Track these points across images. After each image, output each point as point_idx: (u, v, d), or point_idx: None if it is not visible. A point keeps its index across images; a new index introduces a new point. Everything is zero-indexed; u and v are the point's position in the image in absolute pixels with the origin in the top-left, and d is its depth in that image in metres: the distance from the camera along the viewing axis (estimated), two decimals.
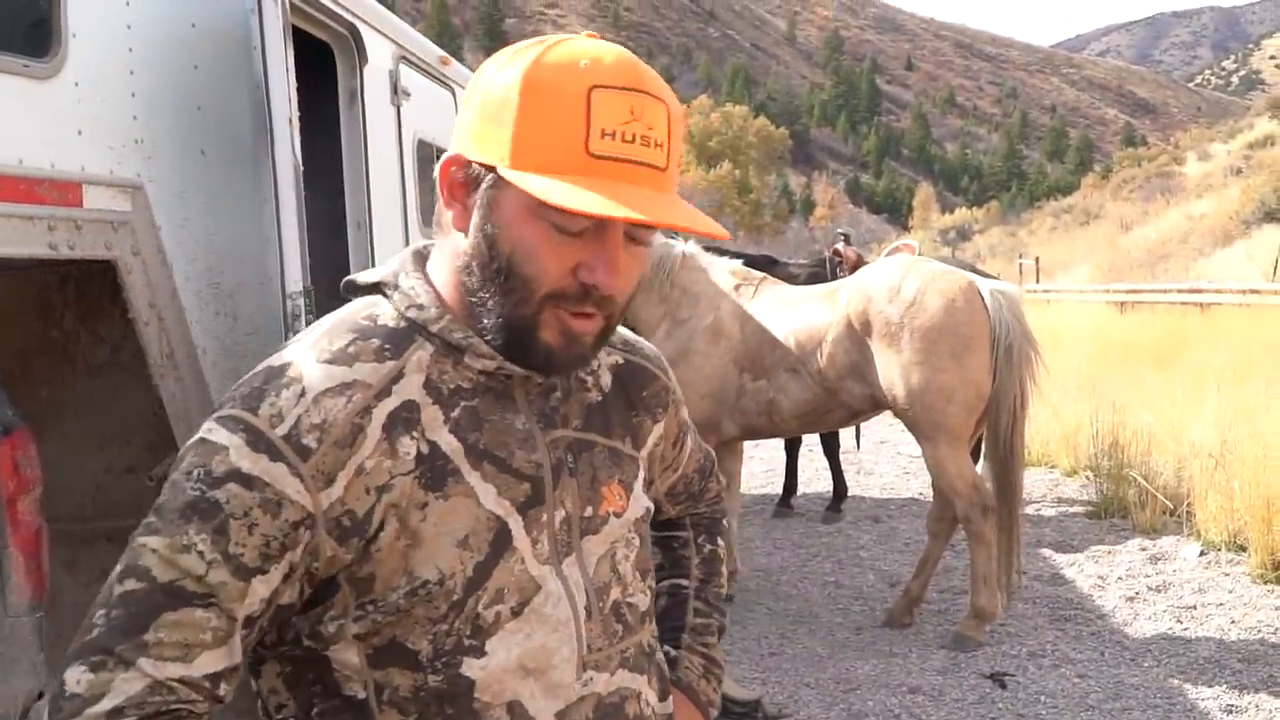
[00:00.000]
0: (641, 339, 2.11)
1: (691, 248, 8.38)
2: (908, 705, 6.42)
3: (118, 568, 1.59)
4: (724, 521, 2.38)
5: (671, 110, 1.63)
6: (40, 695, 3.54)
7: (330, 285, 6.06)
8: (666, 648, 2.16)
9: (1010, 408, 7.20)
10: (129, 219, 4.19)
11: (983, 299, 7.22)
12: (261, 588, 1.58)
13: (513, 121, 1.58)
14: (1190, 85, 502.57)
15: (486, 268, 1.66)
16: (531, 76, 1.58)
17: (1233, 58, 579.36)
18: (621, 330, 2.03)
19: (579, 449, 1.82)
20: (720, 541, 2.34)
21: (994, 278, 8.47)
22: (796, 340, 7.61)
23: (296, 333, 4.59)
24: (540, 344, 1.67)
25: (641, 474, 1.95)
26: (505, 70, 1.62)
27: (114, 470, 4.87)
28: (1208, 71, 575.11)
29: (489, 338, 1.70)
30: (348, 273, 5.85)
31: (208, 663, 1.57)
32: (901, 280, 7.32)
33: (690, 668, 2.19)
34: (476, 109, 1.65)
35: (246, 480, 1.56)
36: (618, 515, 1.85)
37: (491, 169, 1.62)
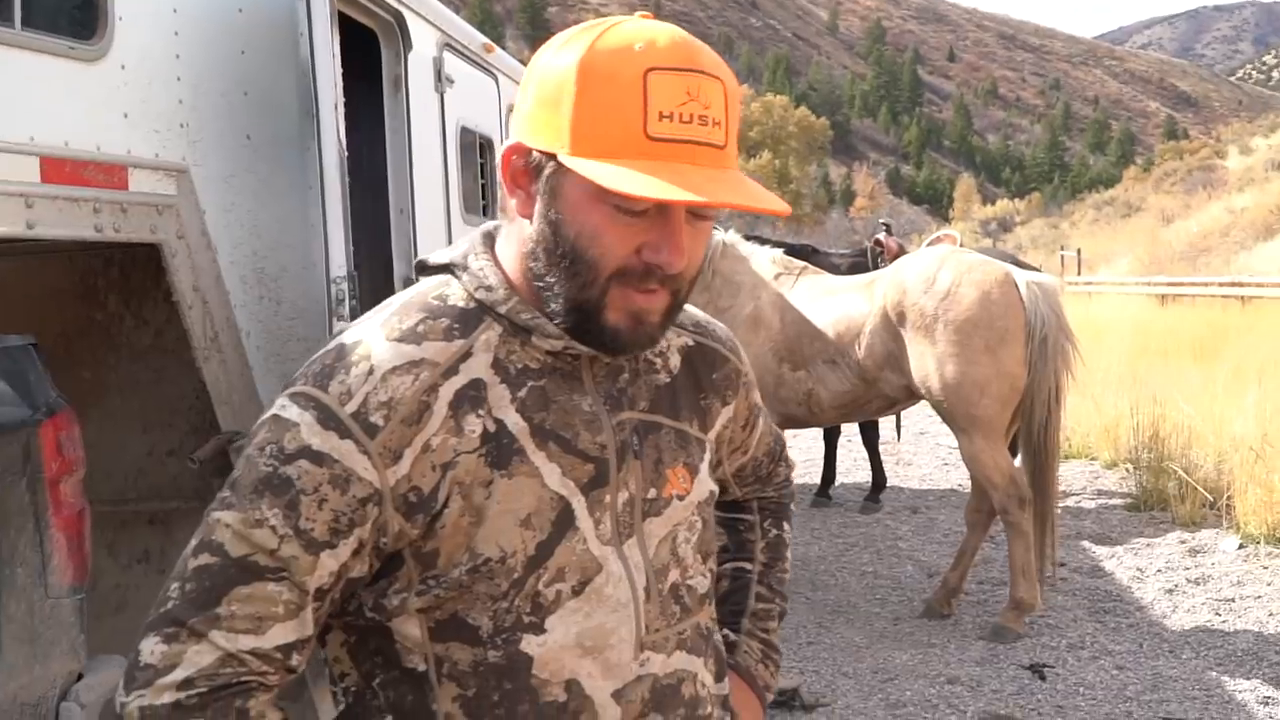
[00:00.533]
0: (714, 320, 2.11)
1: (731, 236, 8.40)
2: (946, 695, 6.41)
3: (193, 541, 1.64)
4: (791, 507, 2.39)
5: (728, 87, 1.63)
6: (80, 677, 3.55)
7: (373, 270, 6.07)
8: (726, 631, 2.17)
9: (1045, 401, 7.16)
10: (174, 202, 4.22)
11: (1019, 291, 7.19)
12: (331, 561, 1.62)
13: (571, 108, 1.59)
14: (1232, 79, 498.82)
15: (552, 253, 1.67)
16: (587, 62, 1.58)
17: (1274, 52, 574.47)
18: (693, 312, 2.05)
19: (645, 431, 1.83)
20: (786, 527, 2.35)
21: (1035, 269, 8.44)
22: (835, 331, 7.61)
23: (340, 317, 4.63)
24: (607, 325, 1.68)
25: (708, 456, 1.95)
26: (561, 56, 1.63)
27: (156, 453, 4.90)
28: (1249, 66, 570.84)
29: (557, 321, 1.71)
30: (390, 259, 5.87)
31: (279, 634, 1.62)
32: (937, 271, 7.30)
33: (749, 652, 2.21)
34: (534, 96, 1.66)
35: (317, 457, 1.60)
36: (681, 498, 1.86)
37: (552, 156, 1.63)
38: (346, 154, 4.94)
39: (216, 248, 4.50)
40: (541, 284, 1.70)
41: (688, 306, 2.01)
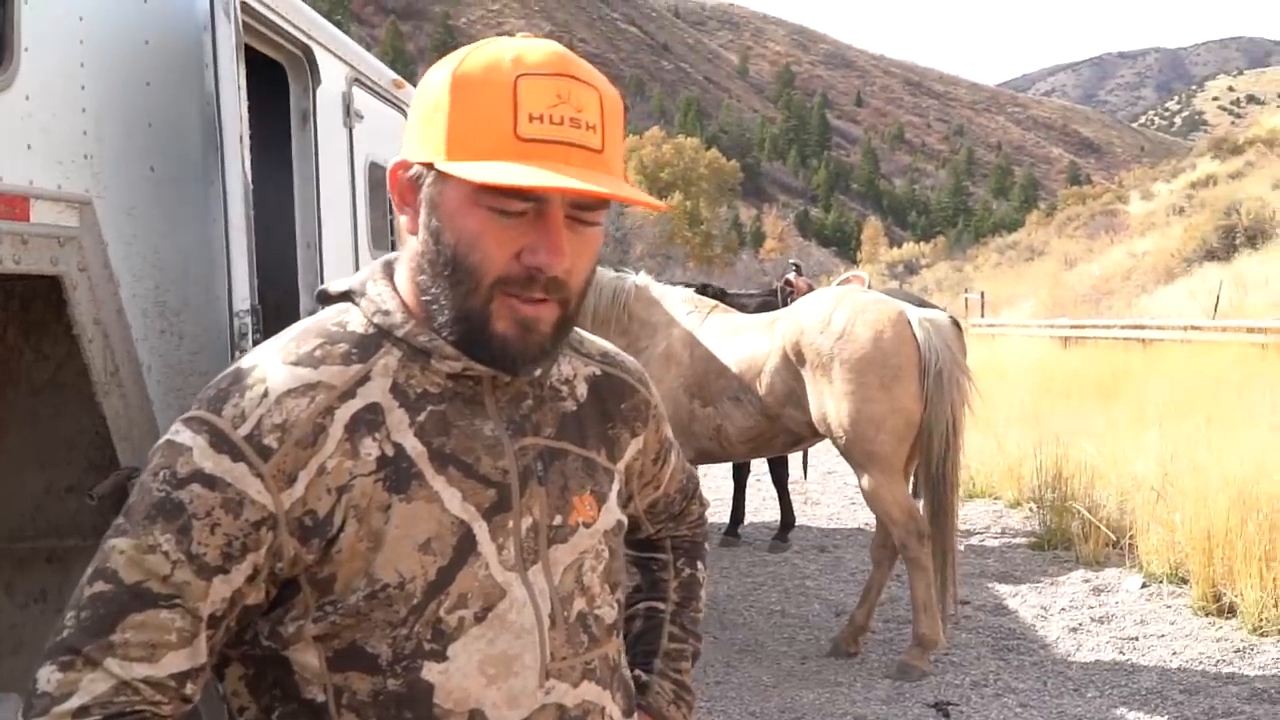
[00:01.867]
0: (623, 353, 2.12)
1: (643, 279, 8.44)
2: None
3: (89, 569, 1.61)
4: (705, 546, 2.38)
5: (604, 95, 1.66)
6: None
7: (278, 305, 6.00)
8: (638, 672, 2.16)
9: (943, 434, 7.25)
10: (76, 234, 4.15)
11: (912, 328, 7.28)
12: (224, 587, 1.60)
13: (445, 117, 1.63)
14: (1134, 125, 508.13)
15: (435, 263, 1.69)
16: (460, 74, 1.64)
17: (1176, 99, 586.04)
18: (601, 343, 2.06)
19: (550, 457, 1.82)
20: (700, 566, 2.34)
21: (940, 309, 8.51)
22: (738, 369, 7.68)
23: (243, 351, 4.58)
24: (495, 335, 1.68)
25: (616, 486, 1.95)
26: (438, 73, 1.68)
27: (55, 490, 4.81)
28: (1151, 112, 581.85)
29: (446, 334, 1.71)
30: (296, 293, 5.83)
31: (173, 663, 1.59)
32: (832, 311, 7.40)
33: (661, 693, 2.18)
34: (415, 113, 1.71)
35: (209, 480, 1.59)
36: (587, 526, 1.85)
37: (430, 166, 1.66)
38: (252, 187, 4.90)
39: (119, 280, 4.43)
40: (429, 297, 1.72)
41: (596, 339, 2.04)
